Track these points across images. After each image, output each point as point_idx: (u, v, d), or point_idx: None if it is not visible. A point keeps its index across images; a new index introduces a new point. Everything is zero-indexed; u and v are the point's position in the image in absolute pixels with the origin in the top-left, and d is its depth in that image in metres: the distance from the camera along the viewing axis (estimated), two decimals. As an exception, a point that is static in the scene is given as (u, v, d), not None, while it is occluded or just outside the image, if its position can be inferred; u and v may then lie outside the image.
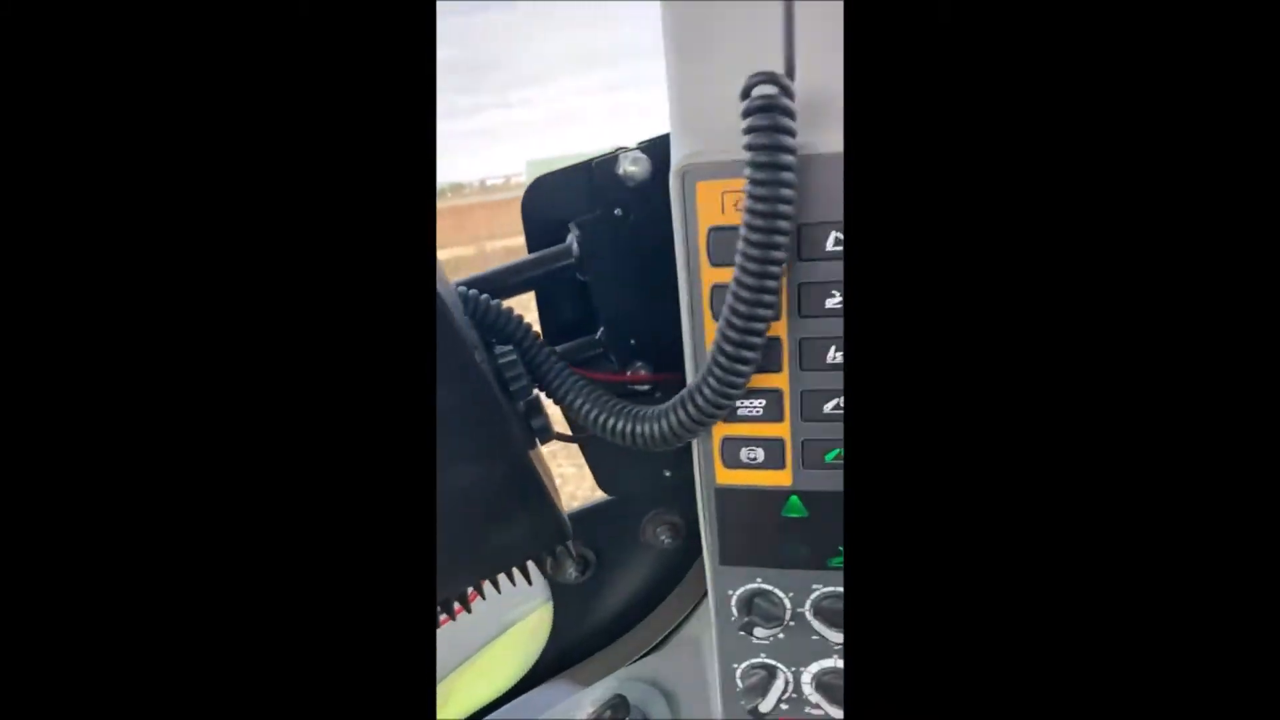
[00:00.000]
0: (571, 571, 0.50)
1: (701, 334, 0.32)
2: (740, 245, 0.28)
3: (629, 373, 0.42)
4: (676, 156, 0.30)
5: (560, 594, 0.52)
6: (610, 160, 0.38)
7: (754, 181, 0.27)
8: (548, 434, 0.38)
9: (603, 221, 0.39)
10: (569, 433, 0.41)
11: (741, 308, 0.28)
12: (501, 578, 0.37)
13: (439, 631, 0.36)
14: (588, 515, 0.50)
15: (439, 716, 0.50)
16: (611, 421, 0.35)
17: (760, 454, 0.33)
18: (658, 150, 0.37)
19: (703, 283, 0.31)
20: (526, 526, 0.36)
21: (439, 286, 0.31)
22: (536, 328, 0.39)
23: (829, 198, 0.28)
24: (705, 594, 0.42)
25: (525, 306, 0.39)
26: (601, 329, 0.41)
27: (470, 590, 0.37)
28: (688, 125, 0.30)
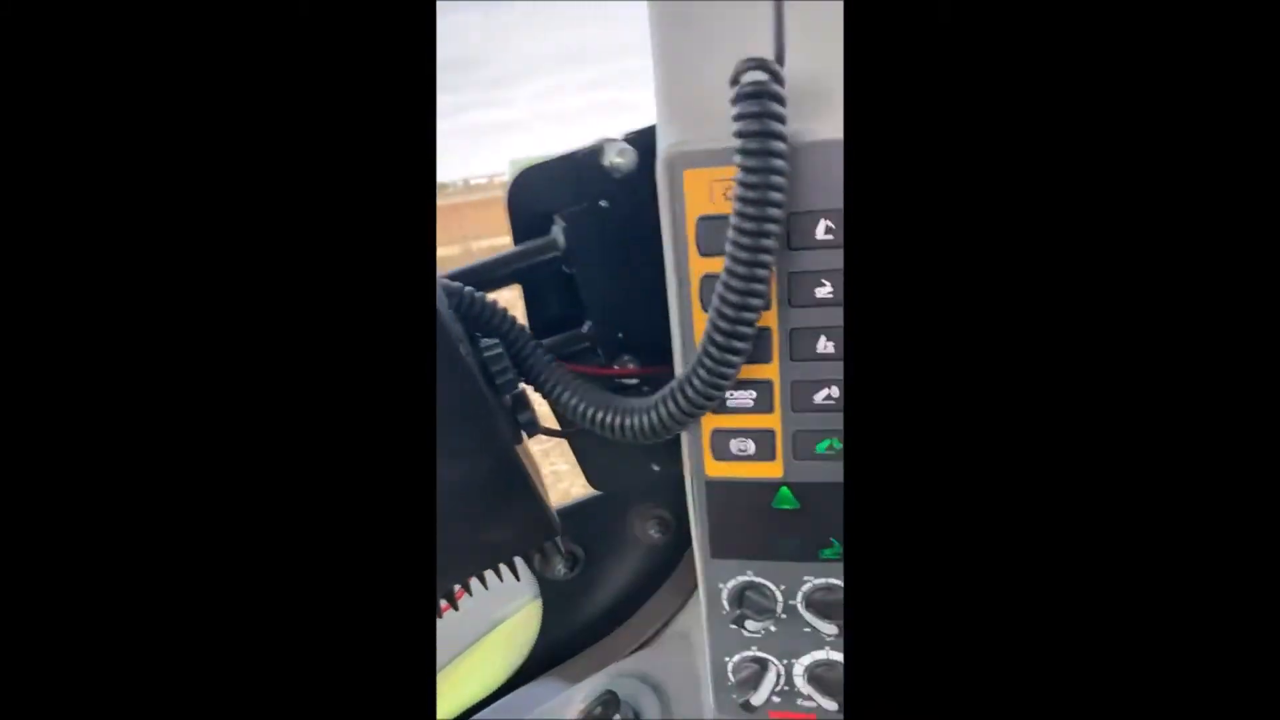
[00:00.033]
0: (560, 568, 0.50)
1: (690, 325, 0.32)
2: (730, 234, 0.27)
3: (616, 366, 0.41)
4: (664, 144, 0.30)
5: (549, 590, 0.52)
6: (596, 151, 0.37)
7: (745, 169, 0.26)
8: (534, 428, 0.37)
9: (589, 213, 0.38)
10: (556, 427, 0.41)
11: (732, 297, 0.28)
12: (489, 575, 0.37)
13: (426, 630, 0.35)
14: (576, 511, 0.50)
15: None
16: (600, 415, 0.34)
17: (751, 445, 0.33)
18: (644, 141, 0.37)
19: (691, 273, 0.31)
20: (514, 522, 0.36)
21: None
22: (523, 320, 0.39)
23: (818, 186, 0.28)
24: (695, 588, 0.42)
25: (513, 304, 0.39)
26: (589, 322, 0.40)
27: (457, 588, 0.36)
28: (675, 113, 0.30)
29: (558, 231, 0.39)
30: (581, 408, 0.35)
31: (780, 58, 0.26)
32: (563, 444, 0.44)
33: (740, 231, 0.27)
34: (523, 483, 0.35)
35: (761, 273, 0.27)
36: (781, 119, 0.26)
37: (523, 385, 0.37)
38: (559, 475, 1.66)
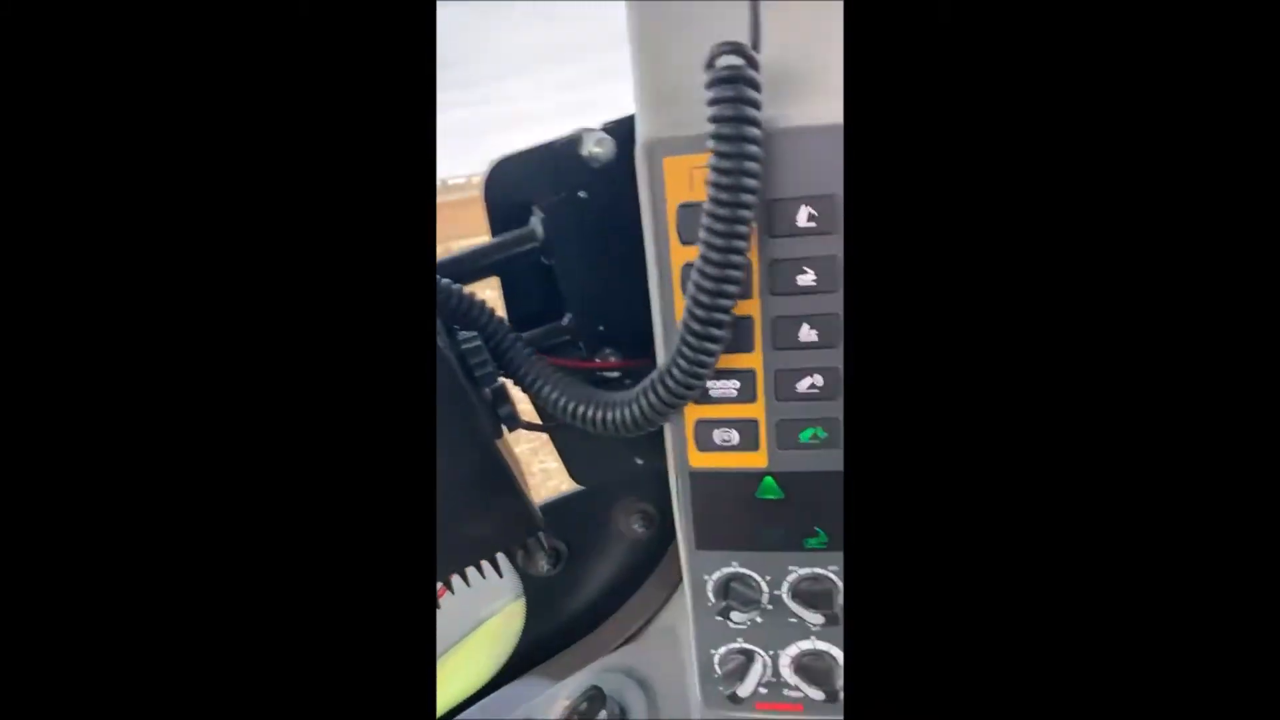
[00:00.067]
0: (543, 564, 0.49)
1: (671, 314, 0.31)
2: (704, 220, 0.27)
3: (598, 359, 0.41)
4: (643, 132, 0.30)
5: (532, 587, 0.51)
6: (574, 141, 0.37)
7: (718, 154, 0.26)
8: (515, 422, 0.37)
9: (567, 204, 0.38)
10: (538, 421, 0.40)
11: (708, 284, 0.28)
12: (472, 572, 0.36)
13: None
14: (559, 506, 0.49)
15: None
16: (581, 409, 0.34)
17: (734, 435, 0.33)
18: (623, 131, 0.36)
19: (672, 261, 0.30)
20: (495, 518, 0.35)
21: None
22: (501, 313, 0.38)
23: (799, 172, 0.28)
24: (680, 582, 0.42)
25: (494, 300, 0.38)
26: (569, 314, 0.40)
27: (440, 585, 0.36)
28: (654, 100, 0.30)
29: (536, 222, 0.38)
30: (562, 402, 0.35)
31: (756, 43, 0.26)
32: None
33: (714, 218, 0.27)
34: (504, 478, 0.35)
35: (736, 259, 0.27)
36: (756, 104, 0.26)
37: (502, 379, 0.37)
38: (549, 473, 1.64)
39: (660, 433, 0.35)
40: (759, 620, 0.37)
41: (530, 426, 0.39)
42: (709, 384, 0.32)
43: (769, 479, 0.34)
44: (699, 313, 0.28)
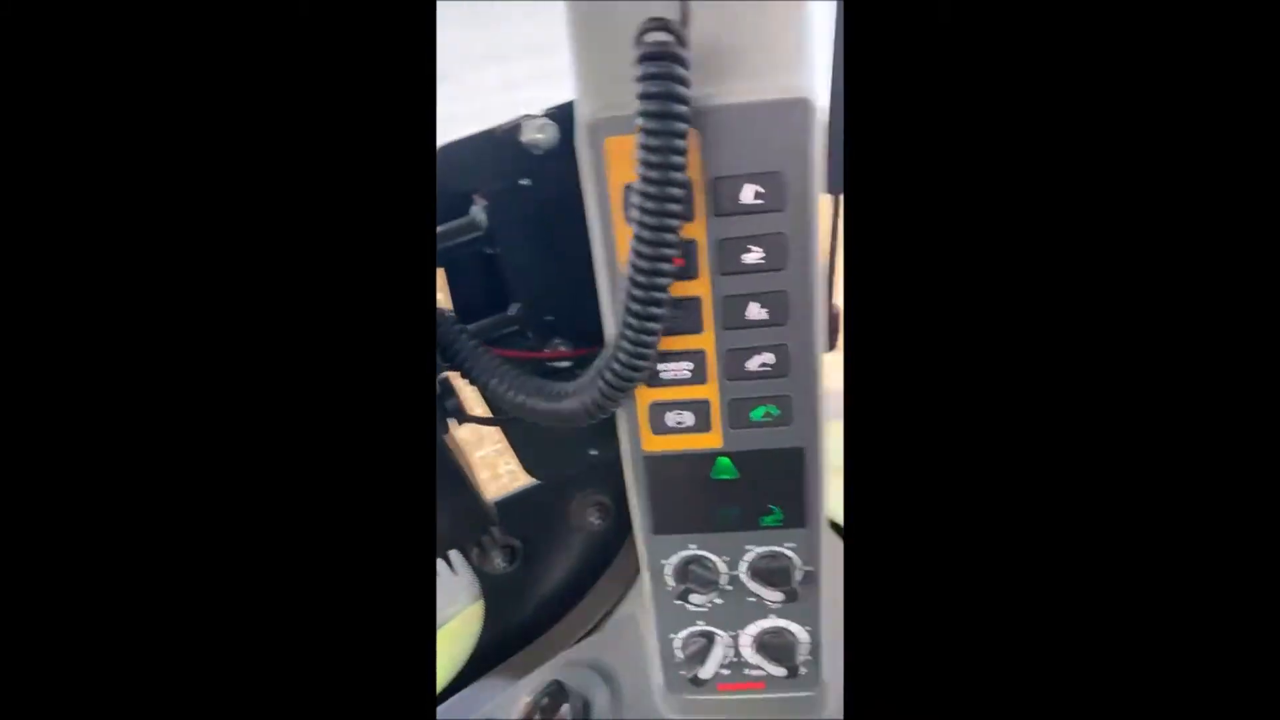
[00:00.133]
0: (499, 561, 0.49)
1: (619, 298, 0.31)
2: (635, 199, 0.27)
3: (548, 349, 0.40)
4: (583, 113, 0.29)
5: (489, 586, 0.51)
6: (514, 128, 0.36)
7: (646, 132, 0.26)
8: (461, 415, 0.36)
9: (510, 192, 0.37)
10: (486, 415, 0.39)
11: (643, 264, 0.27)
12: (424, 571, 0.35)
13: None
14: (513, 502, 0.49)
15: None
16: (531, 401, 0.33)
17: (687, 417, 0.33)
18: (565, 117, 0.36)
19: (617, 243, 0.30)
20: (446, 514, 0.35)
21: None
22: (445, 305, 0.37)
23: (741, 150, 0.28)
24: (640, 570, 0.42)
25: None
26: (515, 305, 0.39)
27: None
28: (594, 81, 0.29)
29: (477, 211, 0.37)
30: (511, 394, 0.34)
31: (685, 18, 0.26)
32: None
33: (645, 196, 0.26)
34: (453, 473, 0.34)
35: (669, 237, 0.27)
36: (684, 80, 0.25)
37: (447, 372, 0.36)
38: (516, 474, 1.62)
39: (613, 424, 0.35)
40: (718, 601, 0.37)
41: (478, 420, 0.38)
42: (661, 367, 0.32)
43: (724, 459, 0.34)
44: (637, 293, 0.28)
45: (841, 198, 0.39)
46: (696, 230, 0.29)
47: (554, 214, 0.37)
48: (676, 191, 0.26)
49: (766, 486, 0.34)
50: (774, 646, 0.37)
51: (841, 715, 0.41)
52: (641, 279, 0.28)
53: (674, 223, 0.27)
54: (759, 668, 0.38)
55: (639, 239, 0.27)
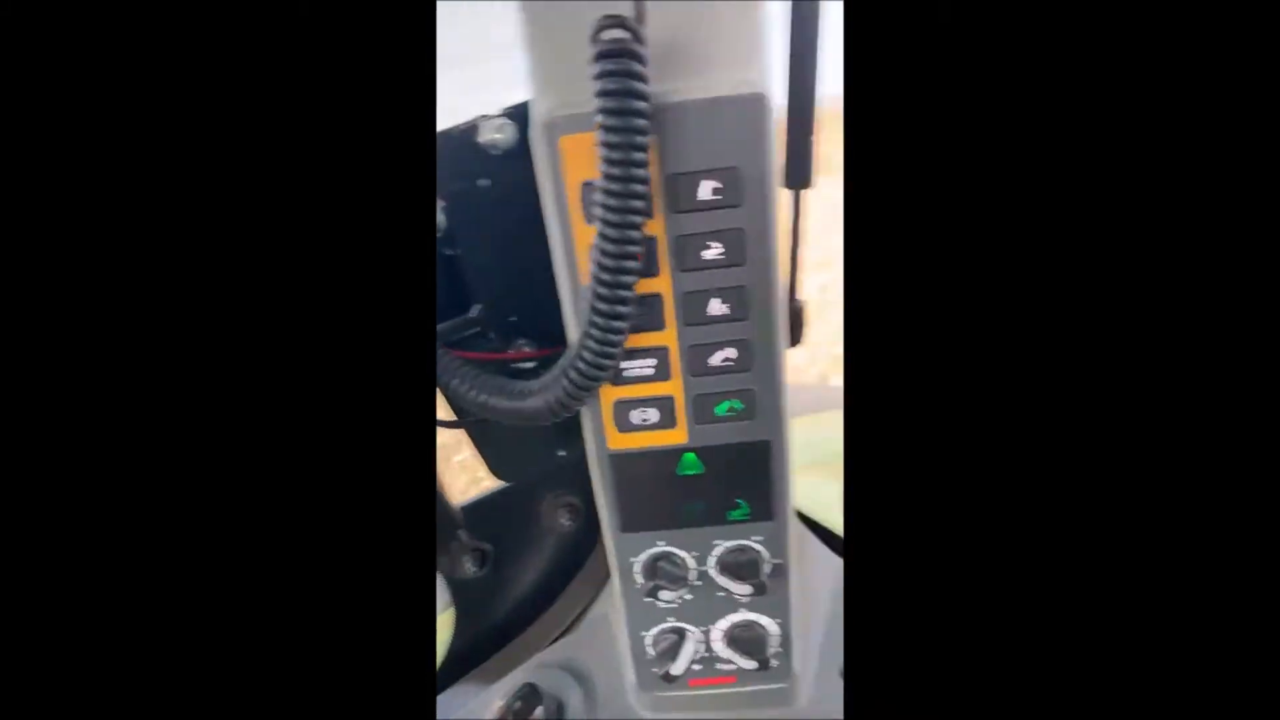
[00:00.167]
0: (468, 565, 0.48)
1: (581, 296, 0.31)
2: (598, 198, 0.27)
3: (512, 350, 0.40)
4: (538, 112, 0.29)
5: (460, 592, 0.50)
6: (471, 129, 0.36)
7: (606, 129, 0.26)
8: None
9: (469, 193, 0.37)
10: (451, 418, 0.39)
11: (608, 262, 0.27)
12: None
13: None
14: (482, 505, 0.48)
15: None
16: (493, 400, 0.33)
17: (652, 414, 0.33)
18: (523, 116, 0.36)
19: (576, 241, 0.30)
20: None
21: None
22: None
23: (698, 146, 0.28)
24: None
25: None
26: (478, 306, 0.39)
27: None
28: (548, 80, 0.29)
29: (437, 213, 0.37)
30: (475, 395, 0.34)
31: (641, 15, 0.26)
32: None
33: (608, 194, 0.26)
34: (419, 476, 0.33)
35: (633, 234, 0.27)
36: (642, 77, 0.26)
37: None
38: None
39: (580, 424, 0.34)
40: (688, 597, 0.37)
41: (443, 424, 0.38)
42: (625, 364, 0.32)
43: (689, 455, 0.34)
44: (603, 291, 0.28)
45: (802, 193, 0.40)
46: (655, 227, 0.30)
47: (514, 214, 0.37)
48: (640, 189, 0.26)
49: (732, 481, 0.34)
50: (745, 640, 0.38)
51: (822, 705, 0.42)
52: (607, 277, 0.28)
53: (638, 220, 0.27)
54: (730, 662, 0.39)
55: (603, 236, 0.27)
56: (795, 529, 0.38)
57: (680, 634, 0.38)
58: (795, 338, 0.42)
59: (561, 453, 0.45)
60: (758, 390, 0.32)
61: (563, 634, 0.52)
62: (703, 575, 0.37)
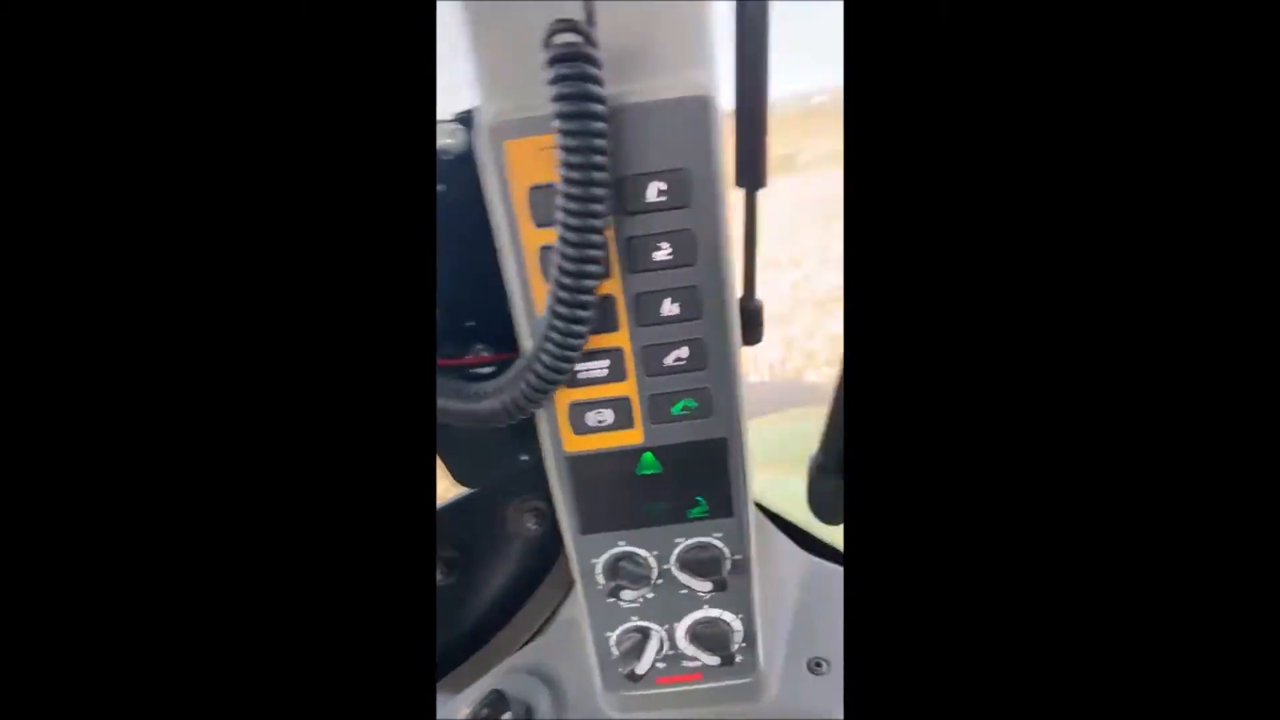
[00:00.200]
0: (436, 574, 0.48)
1: (530, 300, 0.31)
2: (559, 201, 0.27)
3: (470, 355, 0.40)
4: (485, 116, 0.29)
5: (426, 600, 0.50)
6: None
7: (565, 133, 0.26)
8: None
9: None
10: None
11: (570, 266, 0.28)
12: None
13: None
14: (447, 513, 0.48)
15: None
16: (449, 404, 0.33)
17: (609, 415, 0.33)
18: (473, 121, 0.36)
19: (525, 245, 0.30)
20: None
21: None
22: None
23: (646, 148, 0.29)
24: None
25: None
26: (435, 312, 0.39)
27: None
28: (494, 85, 0.29)
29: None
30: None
31: (591, 18, 0.26)
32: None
33: (568, 198, 0.27)
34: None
35: (595, 237, 0.27)
36: (598, 80, 0.26)
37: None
38: None
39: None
40: (650, 596, 0.38)
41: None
42: (579, 366, 0.32)
43: (647, 454, 0.34)
44: (564, 295, 0.28)
45: (755, 193, 0.40)
46: (605, 230, 0.30)
47: (468, 219, 0.36)
48: (600, 192, 0.27)
49: (691, 479, 0.35)
50: (708, 636, 0.38)
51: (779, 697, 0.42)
52: (568, 280, 0.28)
53: (599, 222, 0.27)
54: (695, 659, 0.39)
55: (564, 240, 0.27)
56: (758, 524, 0.38)
57: (644, 633, 0.38)
58: (753, 337, 0.42)
59: (524, 457, 0.45)
60: (713, 388, 0.33)
61: (532, 638, 0.52)
62: (664, 574, 0.37)
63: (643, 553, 0.36)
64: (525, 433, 0.35)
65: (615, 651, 0.39)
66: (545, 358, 0.30)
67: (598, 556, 0.37)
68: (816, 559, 0.53)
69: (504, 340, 0.39)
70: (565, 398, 0.33)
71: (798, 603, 0.49)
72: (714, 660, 0.38)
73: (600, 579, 0.37)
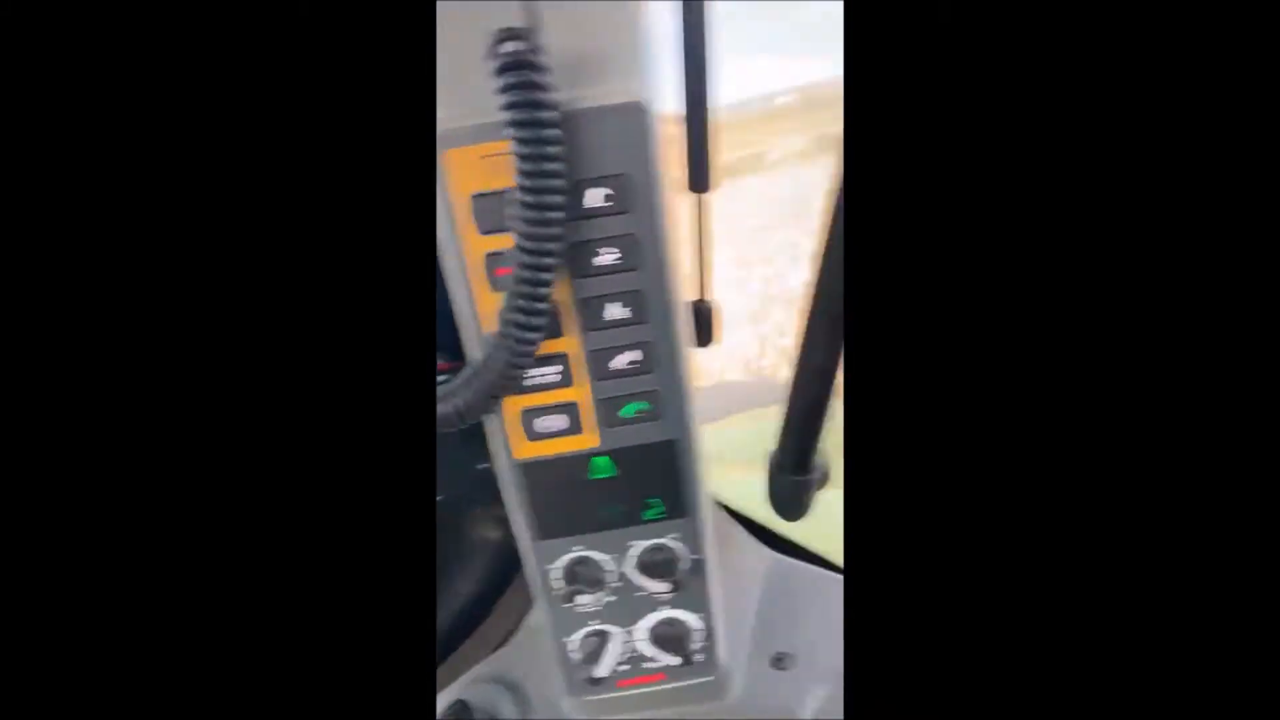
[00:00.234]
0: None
1: (473, 307, 0.31)
2: (515, 209, 0.27)
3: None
4: None
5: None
6: None
7: (518, 140, 0.26)
8: None
9: None
10: None
11: (526, 274, 0.28)
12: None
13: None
14: None
15: None
16: None
17: (559, 420, 0.33)
18: None
19: (467, 253, 0.30)
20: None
21: None
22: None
23: (584, 155, 0.29)
24: None
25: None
26: None
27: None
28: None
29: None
30: None
31: (535, 26, 0.26)
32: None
33: (525, 205, 0.27)
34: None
35: (550, 245, 0.27)
36: (547, 86, 0.26)
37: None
38: None
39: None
40: (610, 599, 0.38)
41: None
42: (528, 372, 0.32)
43: (600, 458, 0.34)
44: (521, 302, 0.28)
45: (705, 197, 0.41)
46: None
47: None
48: (555, 199, 0.27)
49: (644, 481, 0.35)
50: (668, 637, 0.38)
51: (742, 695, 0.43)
52: (525, 288, 0.28)
53: (556, 230, 0.27)
54: (656, 660, 0.39)
55: (520, 248, 0.27)
56: (721, 523, 0.39)
57: (603, 636, 0.38)
58: (706, 338, 0.43)
59: (482, 465, 0.45)
60: (663, 390, 0.33)
61: (499, 646, 0.52)
62: (622, 577, 0.37)
63: (599, 556, 0.36)
64: (482, 441, 0.35)
65: (576, 656, 0.39)
66: (499, 364, 0.30)
67: (554, 562, 0.37)
68: (781, 556, 0.53)
69: (458, 349, 0.39)
70: (515, 404, 0.33)
71: (762, 599, 0.49)
72: (675, 660, 0.39)
73: (556, 584, 0.37)
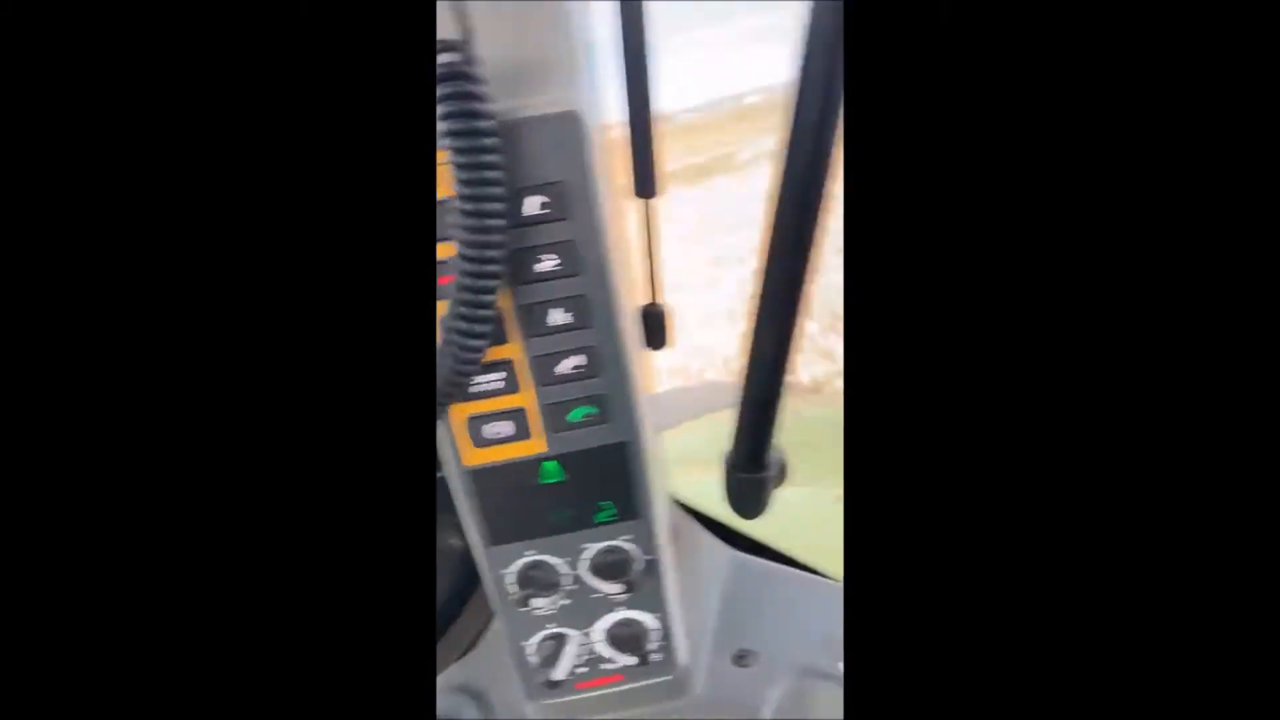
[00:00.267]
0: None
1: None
2: (455, 218, 0.27)
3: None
4: None
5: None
6: None
7: (456, 150, 0.26)
8: None
9: None
10: None
11: (468, 281, 0.28)
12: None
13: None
14: None
15: None
16: None
17: (506, 426, 0.33)
18: None
19: None
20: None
21: None
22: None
23: (520, 163, 0.29)
24: None
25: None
26: None
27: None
28: None
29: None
30: None
31: (469, 37, 0.26)
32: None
33: (465, 214, 0.27)
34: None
35: (492, 254, 0.28)
36: (482, 97, 0.26)
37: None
38: None
39: None
40: (565, 602, 0.38)
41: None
42: (472, 380, 0.32)
43: (549, 463, 0.34)
44: (464, 310, 0.28)
45: (652, 202, 0.41)
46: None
47: None
48: (495, 207, 0.27)
49: (595, 484, 0.35)
50: (624, 638, 0.39)
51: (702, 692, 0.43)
52: (469, 296, 0.28)
53: (498, 238, 0.27)
54: (613, 661, 0.39)
55: (462, 256, 0.27)
56: (680, 522, 0.39)
57: (559, 639, 0.38)
58: (658, 341, 0.43)
59: (439, 474, 0.45)
60: (610, 394, 0.33)
61: (464, 654, 0.52)
62: (576, 579, 0.37)
63: (553, 560, 0.37)
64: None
65: (534, 660, 0.39)
66: (444, 372, 0.30)
67: (507, 567, 0.37)
68: (741, 554, 0.54)
69: None
70: (462, 412, 0.33)
71: (723, 598, 0.50)
72: (633, 661, 0.39)
73: (510, 589, 0.37)
